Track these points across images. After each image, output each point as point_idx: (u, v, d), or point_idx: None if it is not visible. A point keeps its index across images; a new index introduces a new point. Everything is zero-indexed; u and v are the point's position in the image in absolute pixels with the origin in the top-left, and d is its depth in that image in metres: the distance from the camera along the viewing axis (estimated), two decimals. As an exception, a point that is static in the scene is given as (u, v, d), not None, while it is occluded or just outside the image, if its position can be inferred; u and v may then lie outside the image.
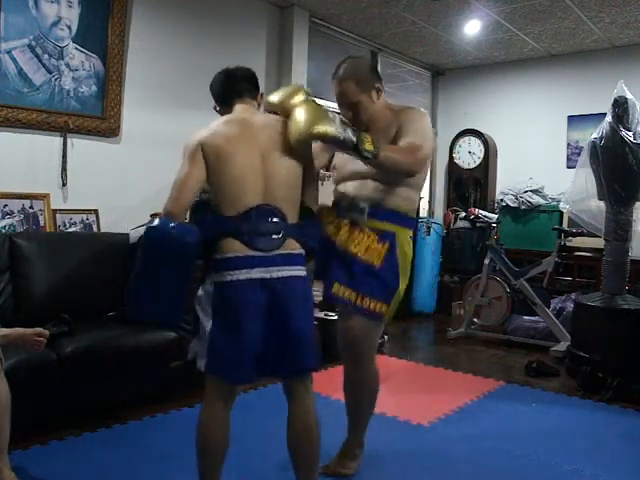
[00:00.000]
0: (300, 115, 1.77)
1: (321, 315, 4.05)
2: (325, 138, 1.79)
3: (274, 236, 1.76)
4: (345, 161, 2.13)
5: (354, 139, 1.79)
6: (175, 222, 1.70)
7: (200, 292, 1.80)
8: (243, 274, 1.72)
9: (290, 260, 1.79)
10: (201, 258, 1.79)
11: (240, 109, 1.93)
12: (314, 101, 1.86)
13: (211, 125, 1.86)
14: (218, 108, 2.02)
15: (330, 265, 2.07)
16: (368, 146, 1.81)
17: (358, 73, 2.06)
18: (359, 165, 1.97)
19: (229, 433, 1.81)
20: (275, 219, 1.77)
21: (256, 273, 1.73)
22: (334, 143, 1.83)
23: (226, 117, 1.91)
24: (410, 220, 2.15)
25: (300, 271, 1.81)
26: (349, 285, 2.02)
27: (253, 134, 1.83)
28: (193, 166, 1.77)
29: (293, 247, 1.81)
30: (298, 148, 1.81)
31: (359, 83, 2.03)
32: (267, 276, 1.74)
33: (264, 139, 1.83)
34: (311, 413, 1.85)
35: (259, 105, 2.00)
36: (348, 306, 2.03)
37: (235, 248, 1.73)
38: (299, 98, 1.87)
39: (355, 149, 1.81)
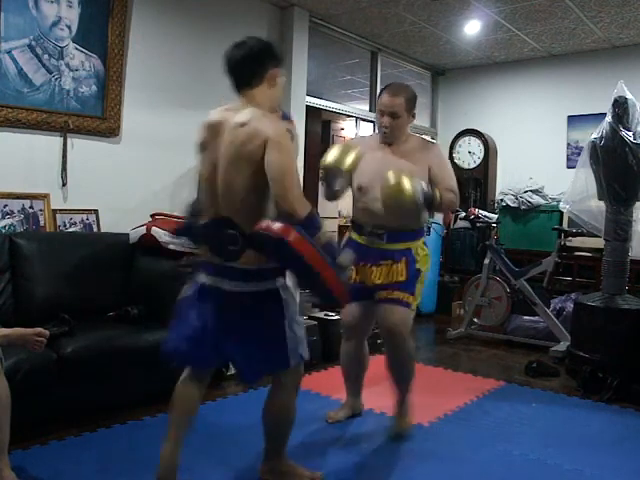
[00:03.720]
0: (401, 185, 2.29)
1: (321, 315, 4.05)
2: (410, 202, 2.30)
3: (230, 247, 1.79)
4: (369, 184, 2.52)
5: (431, 198, 2.33)
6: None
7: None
8: (205, 279, 1.89)
9: (246, 277, 1.83)
10: None
11: (236, 102, 1.87)
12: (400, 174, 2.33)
13: (214, 111, 1.94)
14: None
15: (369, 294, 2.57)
16: (437, 203, 2.37)
17: (409, 94, 2.54)
18: (375, 194, 2.43)
19: (194, 404, 2.05)
20: (230, 230, 1.79)
21: (212, 280, 1.87)
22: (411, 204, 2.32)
23: (224, 106, 1.91)
24: (420, 231, 2.61)
25: (258, 286, 1.85)
26: (384, 289, 2.52)
27: (218, 139, 1.81)
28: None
29: (252, 261, 1.81)
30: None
31: (407, 101, 2.51)
32: (219, 286, 1.85)
33: (224, 144, 1.80)
34: (281, 408, 2.02)
35: (271, 85, 1.86)
36: (385, 302, 2.51)
37: (205, 253, 1.89)
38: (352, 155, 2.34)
39: (428, 206, 2.36)
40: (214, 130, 1.83)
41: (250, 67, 1.82)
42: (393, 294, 2.49)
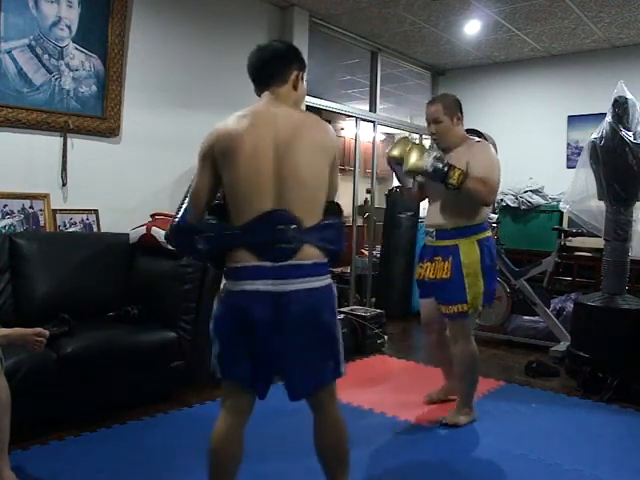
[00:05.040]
0: (407, 156, 2.62)
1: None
2: (418, 172, 2.63)
3: (284, 245, 1.65)
4: (429, 190, 2.86)
5: (443, 171, 2.52)
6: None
7: (216, 297, 1.76)
8: (249, 285, 1.65)
9: (302, 271, 1.66)
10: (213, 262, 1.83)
11: (264, 99, 1.80)
12: (417, 144, 2.74)
13: (227, 119, 1.75)
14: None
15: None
16: (452, 180, 2.52)
17: (447, 100, 2.80)
18: (434, 189, 2.75)
19: (241, 451, 1.77)
20: (289, 226, 1.65)
21: (262, 285, 1.64)
22: (425, 175, 2.63)
23: (243, 110, 1.77)
24: (471, 228, 2.73)
25: (314, 282, 1.68)
26: (438, 301, 2.78)
27: (269, 129, 1.69)
28: (203, 172, 1.74)
29: (308, 256, 1.67)
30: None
31: (445, 106, 2.74)
32: (274, 289, 1.64)
33: (284, 135, 1.69)
34: (339, 422, 1.80)
35: (295, 86, 1.82)
36: (445, 316, 2.77)
37: (244, 258, 1.66)
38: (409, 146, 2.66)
39: (442, 181, 2.54)
40: (261, 126, 1.71)
41: (276, 65, 1.81)
42: (449, 309, 2.71)
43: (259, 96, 1.85)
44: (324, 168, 1.74)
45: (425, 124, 2.87)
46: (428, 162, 2.53)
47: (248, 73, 1.86)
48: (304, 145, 1.70)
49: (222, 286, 1.75)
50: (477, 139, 2.89)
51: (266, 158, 1.67)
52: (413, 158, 2.58)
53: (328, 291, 1.74)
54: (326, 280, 1.73)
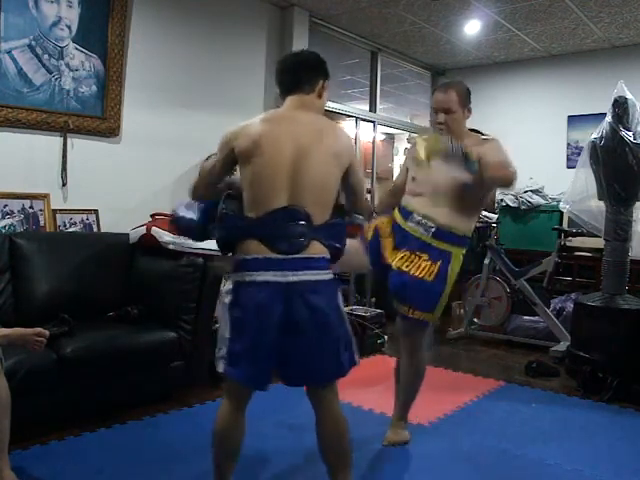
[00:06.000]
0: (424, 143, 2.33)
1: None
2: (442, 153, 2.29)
3: (295, 239, 1.73)
4: (426, 178, 2.47)
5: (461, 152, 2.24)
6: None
7: (222, 288, 1.85)
8: (260, 276, 1.72)
9: (310, 264, 1.74)
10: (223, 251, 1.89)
11: (288, 104, 1.90)
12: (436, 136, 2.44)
13: (251, 120, 1.87)
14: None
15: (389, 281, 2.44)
16: (471, 157, 2.25)
17: (462, 89, 2.60)
18: (439, 186, 2.41)
19: (242, 433, 1.84)
20: (300, 221, 1.74)
21: (272, 276, 1.71)
22: (449, 156, 2.29)
23: (268, 113, 1.92)
24: (465, 239, 2.49)
25: (321, 275, 1.76)
26: (403, 301, 2.43)
27: (290, 132, 1.80)
28: (219, 162, 1.87)
29: (316, 251, 1.76)
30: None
31: (460, 96, 2.54)
32: (283, 280, 1.70)
33: (303, 139, 1.79)
34: (340, 419, 1.84)
35: (320, 95, 1.93)
36: (404, 317, 2.47)
37: (255, 249, 1.73)
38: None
39: (465, 158, 2.25)
40: (283, 131, 1.81)
41: (306, 74, 1.92)
42: (414, 314, 2.41)
43: (282, 99, 1.93)
44: (336, 174, 1.84)
45: (425, 124, 2.79)
46: (447, 143, 2.27)
47: (277, 77, 1.97)
48: (320, 152, 1.80)
49: (227, 279, 1.81)
50: (483, 136, 2.69)
51: (284, 161, 1.76)
52: (432, 142, 2.33)
53: (333, 284, 1.81)
54: (330, 274, 1.80)
